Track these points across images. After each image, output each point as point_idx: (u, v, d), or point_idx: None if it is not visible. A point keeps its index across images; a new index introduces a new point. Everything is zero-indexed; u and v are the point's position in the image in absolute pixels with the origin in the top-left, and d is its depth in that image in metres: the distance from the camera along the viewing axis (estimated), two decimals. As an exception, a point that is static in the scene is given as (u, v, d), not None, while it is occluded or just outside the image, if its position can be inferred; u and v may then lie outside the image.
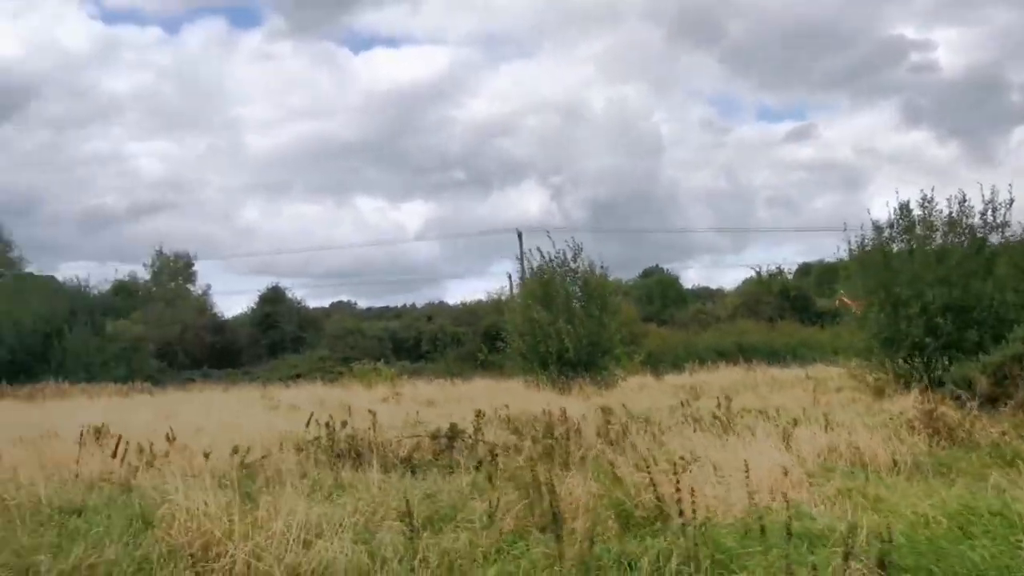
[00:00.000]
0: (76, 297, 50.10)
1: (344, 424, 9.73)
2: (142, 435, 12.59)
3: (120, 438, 8.55)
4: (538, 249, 24.12)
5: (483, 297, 58.13)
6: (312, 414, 10.31)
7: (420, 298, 78.67)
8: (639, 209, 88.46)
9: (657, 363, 34.95)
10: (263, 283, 65.07)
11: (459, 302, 61.21)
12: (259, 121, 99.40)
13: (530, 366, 23.62)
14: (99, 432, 12.12)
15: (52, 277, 54.98)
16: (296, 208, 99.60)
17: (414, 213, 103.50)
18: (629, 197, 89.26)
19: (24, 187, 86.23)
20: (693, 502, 5.01)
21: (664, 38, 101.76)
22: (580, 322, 22.70)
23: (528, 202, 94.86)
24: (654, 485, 5.48)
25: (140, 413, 19.33)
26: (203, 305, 55.87)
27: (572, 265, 24.10)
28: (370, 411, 10.39)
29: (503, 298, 56.85)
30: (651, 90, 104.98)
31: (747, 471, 5.80)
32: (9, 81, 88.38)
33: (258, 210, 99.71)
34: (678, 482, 5.71)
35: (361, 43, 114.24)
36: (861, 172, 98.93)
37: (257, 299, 54.22)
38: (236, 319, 57.18)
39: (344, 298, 69.10)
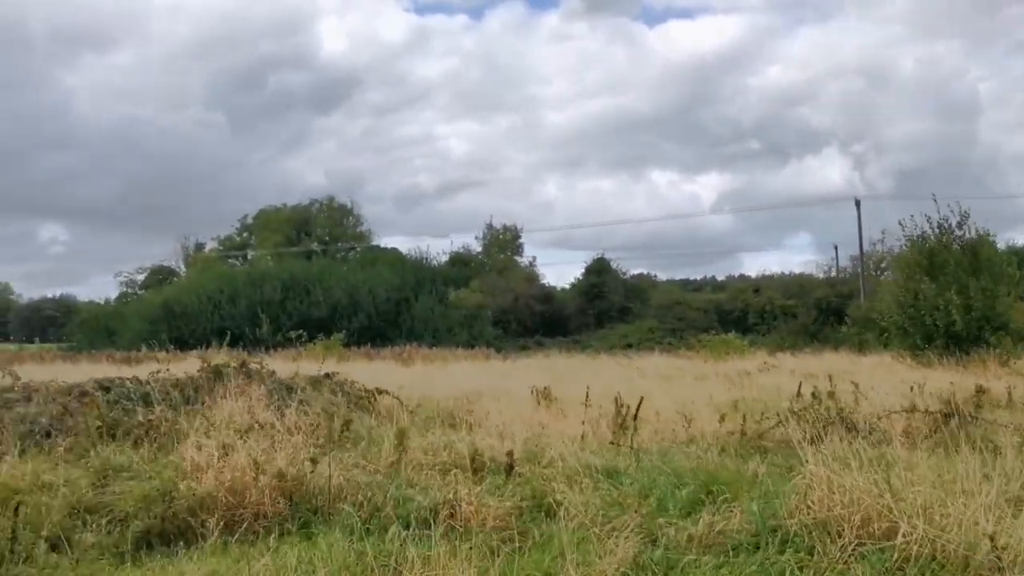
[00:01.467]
0: (420, 268, 53.55)
1: (831, 394, 9.26)
2: (569, 398, 13.02)
3: (642, 402, 8.52)
4: (925, 215, 22.35)
5: (812, 270, 55.88)
6: (800, 383, 9.89)
7: (715, 271, 76.74)
8: (953, 176, 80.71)
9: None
10: (561, 256, 65.88)
11: (783, 272, 59.28)
12: (557, 99, 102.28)
13: (911, 341, 22.00)
14: (544, 394, 12.55)
15: (396, 249, 59.32)
16: (591, 182, 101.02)
17: (708, 185, 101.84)
18: (941, 164, 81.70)
19: (350, 169, 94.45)
20: None
21: None
22: (976, 294, 20.82)
23: (828, 172, 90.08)
24: None
25: (525, 376, 20.08)
26: (531, 275, 57.78)
27: (957, 232, 22.15)
28: (853, 382, 9.83)
29: (832, 271, 54.44)
30: (966, 46, 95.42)
31: None
32: (337, 74, 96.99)
33: (555, 185, 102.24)
34: None
35: (655, 17, 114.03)
36: None
37: (583, 270, 55.22)
38: (560, 289, 58.76)
39: (643, 270, 68.77)
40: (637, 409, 8.17)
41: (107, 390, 10.33)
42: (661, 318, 49.50)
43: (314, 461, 6.14)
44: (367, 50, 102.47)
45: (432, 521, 5.65)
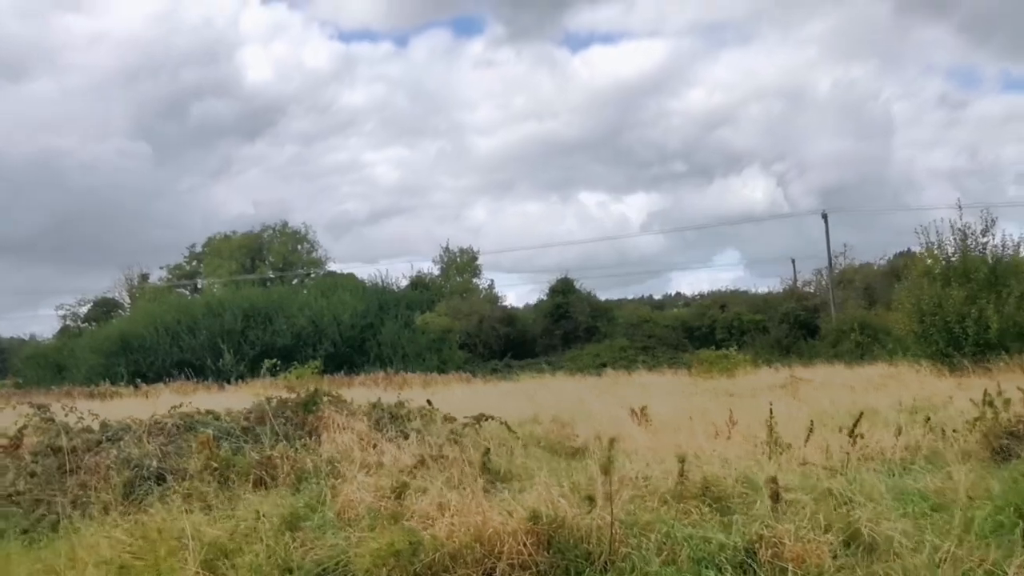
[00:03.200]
0: (382, 293, 52.25)
1: (1007, 403, 8.58)
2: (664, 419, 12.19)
3: (861, 417, 7.70)
4: (950, 222, 22.08)
5: (780, 286, 55.87)
6: (983, 393, 9.15)
7: (645, 290, 76.85)
8: (871, 193, 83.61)
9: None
10: (493, 279, 64.51)
11: (713, 289, 59.97)
12: (484, 124, 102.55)
13: (934, 349, 21.66)
14: (640, 414, 11.71)
15: (353, 275, 57.81)
16: (521, 206, 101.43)
17: (636, 206, 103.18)
18: (860, 181, 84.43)
19: (276, 198, 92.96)
20: None
21: (892, 12, 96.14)
22: (1011, 301, 20.55)
23: (752, 190, 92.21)
24: None
25: (547, 398, 19.20)
26: (492, 297, 56.87)
27: (981, 240, 21.95)
28: (1020, 388, 9.18)
29: (799, 285, 54.53)
30: (880, 68, 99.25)
31: None
32: (262, 103, 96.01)
33: (485, 209, 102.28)
34: None
35: (579, 42, 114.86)
36: None
37: (547, 290, 54.38)
38: (521, 310, 57.91)
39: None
40: (854, 426, 7.34)
41: (190, 428, 9.17)
42: (631, 336, 48.91)
43: (591, 500, 5.18)
44: (293, 78, 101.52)
45: (753, 563, 4.76)
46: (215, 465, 7.68)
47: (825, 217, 45.62)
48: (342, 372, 37.42)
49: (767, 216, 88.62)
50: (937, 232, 22.18)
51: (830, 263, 46.21)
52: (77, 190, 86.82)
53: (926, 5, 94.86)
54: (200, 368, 42.46)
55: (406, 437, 8.92)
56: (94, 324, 58.85)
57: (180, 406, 11.40)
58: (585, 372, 37.37)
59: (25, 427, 9.58)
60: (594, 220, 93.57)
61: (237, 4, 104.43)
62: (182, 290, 59.19)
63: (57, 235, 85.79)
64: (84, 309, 61.00)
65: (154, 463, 7.62)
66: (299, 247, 60.10)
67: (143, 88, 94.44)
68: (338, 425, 9.30)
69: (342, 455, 8.42)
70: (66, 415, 9.40)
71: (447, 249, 60.18)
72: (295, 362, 36.29)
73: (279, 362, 34.57)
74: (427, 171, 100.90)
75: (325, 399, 9.83)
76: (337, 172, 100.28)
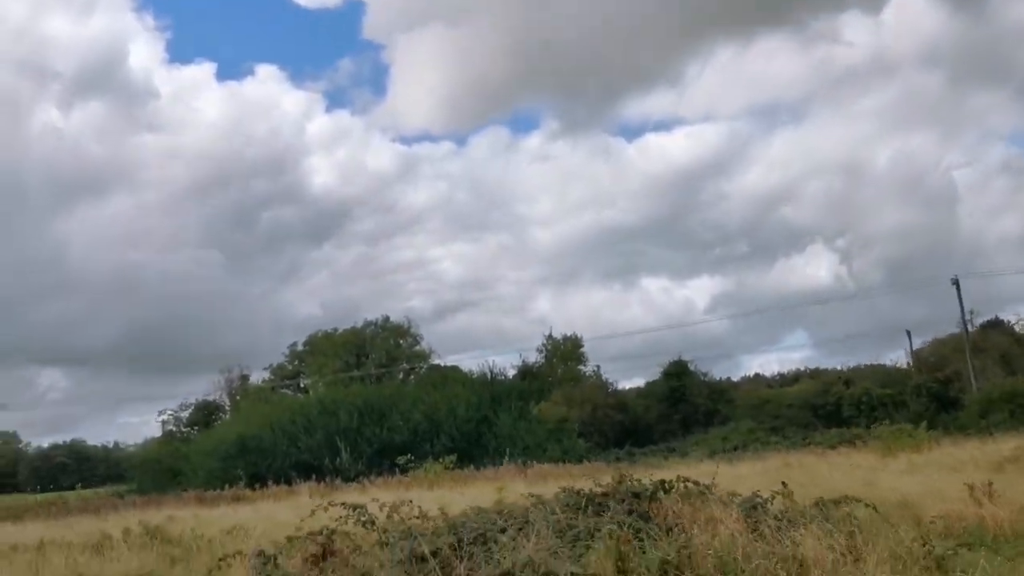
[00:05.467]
0: (495, 384, 51.20)
1: None
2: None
3: None
4: None
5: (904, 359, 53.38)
6: None
7: (719, 373, 74.42)
8: (939, 263, 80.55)
9: None
10: (600, 365, 61.99)
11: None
12: (544, 216, 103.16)
13: None
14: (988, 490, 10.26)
15: (458, 367, 56.93)
16: (585, 295, 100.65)
17: (700, 289, 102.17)
18: (927, 251, 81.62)
19: (344, 297, 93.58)
20: None
21: (945, 82, 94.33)
22: None
23: (816, 268, 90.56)
24: None
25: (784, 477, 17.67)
26: (602, 384, 55.41)
27: None
28: None
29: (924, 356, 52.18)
30: (939, 137, 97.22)
31: None
32: (328, 206, 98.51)
33: (549, 300, 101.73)
34: None
35: (633, 131, 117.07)
36: None
37: (660, 374, 52.72)
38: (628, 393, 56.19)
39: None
40: None
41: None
42: (756, 418, 46.98)
43: None
44: (357, 181, 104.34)
45: None
46: (631, 566, 6.42)
47: (956, 283, 43.59)
48: (465, 466, 36.14)
49: (838, 296, 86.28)
50: None
51: (966, 331, 44.06)
52: (153, 300, 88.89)
53: (980, 73, 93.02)
54: (318, 467, 41.53)
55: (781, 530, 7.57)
56: (196, 428, 58.70)
57: (405, 503, 10.23)
58: (716, 456, 35.62)
59: (334, 532, 8.49)
60: (658, 305, 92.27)
61: (302, 114, 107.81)
62: (285, 390, 58.79)
63: (133, 344, 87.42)
64: (186, 414, 60.90)
65: (568, 567, 6.35)
66: (401, 341, 59.51)
67: (214, 199, 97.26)
68: (705, 517, 7.99)
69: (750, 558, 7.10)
70: (388, 516, 8.25)
71: (550, 337, 59.08)
72: (421, 457, 35.01)
73: (412, 457, 33.46)
74: (490, 265, 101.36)
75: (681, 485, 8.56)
76: (403, 270, 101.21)
